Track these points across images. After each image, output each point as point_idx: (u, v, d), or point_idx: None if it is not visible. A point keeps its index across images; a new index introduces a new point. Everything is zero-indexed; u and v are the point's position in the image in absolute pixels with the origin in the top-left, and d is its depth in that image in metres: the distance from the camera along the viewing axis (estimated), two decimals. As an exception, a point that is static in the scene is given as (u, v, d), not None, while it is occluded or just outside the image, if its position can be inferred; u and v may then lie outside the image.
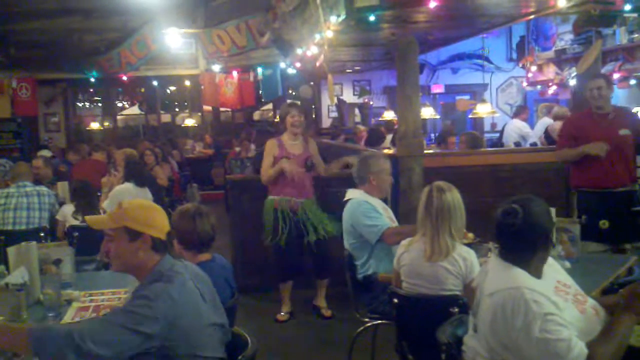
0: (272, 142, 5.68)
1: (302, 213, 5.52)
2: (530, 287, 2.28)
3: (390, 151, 6.74)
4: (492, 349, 2.34)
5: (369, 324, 4.14)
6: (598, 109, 5.21)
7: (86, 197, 6.05)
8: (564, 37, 11.76)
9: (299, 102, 13.15)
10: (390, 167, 4.54)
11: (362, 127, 12.21)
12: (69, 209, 6.05)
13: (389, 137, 10.23)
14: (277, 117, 16.32)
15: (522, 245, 2.41)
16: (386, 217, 4.36)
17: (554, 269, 2.56)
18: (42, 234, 5.69)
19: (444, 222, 3.38)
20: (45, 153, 10.15)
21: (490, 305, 2.36)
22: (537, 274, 2.40)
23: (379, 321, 4.07)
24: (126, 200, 2.67)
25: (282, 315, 5.68)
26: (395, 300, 3.42)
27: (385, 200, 4.68)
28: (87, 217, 2.61)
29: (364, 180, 4.46)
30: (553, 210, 2.64)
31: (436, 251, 3.37)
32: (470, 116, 12.84)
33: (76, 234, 5.63)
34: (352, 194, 4.51)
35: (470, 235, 4.20)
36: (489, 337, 2.35)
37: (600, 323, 2.44)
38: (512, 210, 2.39)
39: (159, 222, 2.55)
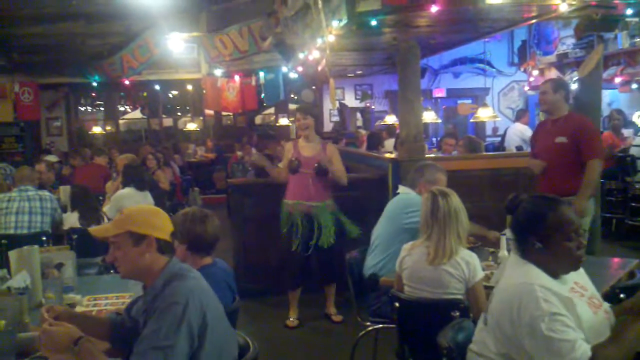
0: (290, 145, 5.79)
1: (311, 217, 5.47)
2: (542, 284, 2.29)
3: (392, 155, 6.74)
4: (498, 340, 2.35)
5: (370, 328, 4.14)
6: (547, 114, 5.24)
7: (86, 202, 6.07)
8: (566, 42, 11.80)
9: (308, 104, 13.19)
10: (445, 184, 4.38)
11: (363, 132, 12.23)
12: (73, 217, 6.07)
13: (390, 141, 10.24)
14: (279, 120, 16.49)
15: (518, 229, 2.50)
16: None
17: (576, 272, 2.55)
18: (44, 238, 5.70)
19: (451, 225, 3.41)
20: (52, 158, 10.17)
21: (501, 297, 2.38)
22: (554, 274, 2.40)
23: (381, 325, 4.07)
24: (126, 207, 2.69)
25: (292, 321, 5.63)
26: (397, 304, 3.42)
27: None
28: (90, 229, 2.62)
29: (415, 185, 4.47)
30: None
31: (440, 254, 3.38)
32: (471, 120, 12.85)
33: (75, 236, 5.65)
34: (403, 190, 4.58)
35: (471, 238, 4.22)
36: (495, 329, 2.36)
37: (610, 327, 2.43)
38: (516, 195, 2.58)
39: (162, 224, 2.56)
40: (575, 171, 4.93)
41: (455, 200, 3.47)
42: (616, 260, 4.31)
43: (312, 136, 5.65)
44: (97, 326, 2.66)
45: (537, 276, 2.34)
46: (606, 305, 2.54)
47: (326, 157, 5.55)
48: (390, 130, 11.29)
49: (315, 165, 5.44)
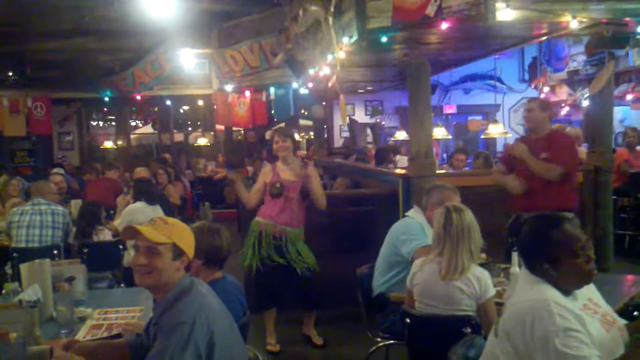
0: (268, 168, 5.61)
1: (285, 242, 5.30)
2: (557, 301, 2.28)
3: (402, 171, 6.74)
4: (509, 353, 2.34)
5: (381, 344, 4.12)
6: (530, 132, 5.23)
7: (91, 219, 6.07)
8: (577, 58, 11.81)
9: (310, 123, 13.24)
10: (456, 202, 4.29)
11: (371, 146, 12.26)
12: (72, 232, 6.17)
13: (398, 157, 10.26)
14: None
15: (524, 252, 2.50)
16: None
17: (589, 289, 2.55)
18: (55, 252, 5.72)
19: (464, 241, 3.40)
20: (59, 171, 10.22)
21: (513, 311, 2.37)
22: (565, 291, 2.39)
23: (392, 341, 4.05)
24: (163, 216, 2.68)
25: (274, 346, 5.42)
26: (408, 320, 3.41)
27: None
28: (139, 227, 2.49)
29: (425, 208, 4.40)
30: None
31: (451, 270, 3.36)
32: (482, 136, 12.85)
33: (86, 249, 5.68)
34: (413, 212, 4.53)
35: (483, 255, 4.20)
36: (505, 342, 2.35)
37: (624, 345, 2.42)
38: (517, 217, 2.50)
39: (193, 244, 2.60)
40: (557, 187, 4.91)
41: (469, 216, 3.45)
42: (629, 277, 4.27)
43: (290, 158, 5.47)
44: (116, 351, 2.70)
45: (552, 293, 2.34)
46: (620, 322, 2.52)
47: (307, 179, 5.37)
48: (395, 148, 11.31)
49: (304, 190, 5.32)
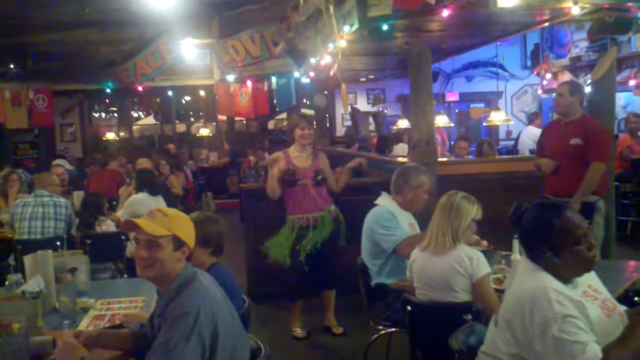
0: (279, 155, 5.46)
1: (318, 226, 5.25)
2: (556, 288, 2.29)
3: (404, 159, 6.74)
4: (509, 341, 2.35)
5: (382, 332, 4.13)
6: (561, 116, 5.24)
7: (93, 210, 6.10)
8: (579, 45, 11.74)
9: (312, 112, 13.23)
10: (430, 185, 4.38)
11: (373, 134, 12.25)
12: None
13: (399, 146, 10.24)
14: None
15: (525, 240, 2.50)
16: (408, 231, 4.30)
17: (589, 276, 2.55)
18: (58, 243, 5.73)
19: (443, 219, 3.47)
20: (60, 162, 10.22)
21: (512, 299, 2.38)
22: (565, 280, 2.39)
23: (393, 329, 4.06)
24: (163, 208, 2.68)
25: (299, 332, 5.43)
26: (409, 308, 3.42)
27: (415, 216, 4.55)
28: (138, 221, 2.49)
29: (400, 191, 4.38)
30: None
31: (432, 242, 3.47)
32: (484, 124, 12.82)
33: (89, 241, 5.69)
34: (382, 200, 4.48)
35: (485, 242, 4.21)
36: (506, 330, 2.36)
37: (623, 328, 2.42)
38: (519, 205, 2.55)
39: (194, 234, 2.61)
40: (585, 172, 4.96)
41: (459, 199, 3.50)
42: (631, 263, 4.27)
43: (307, 146, 5.42)
44: (120, 340, 2.72)
45: (551, 281, 2.34)
46: (620, 308, 2.52)
47: (320, 167, 5.35)
48: (397, 136, 11.30)
49: (318, 175, 5.27)
